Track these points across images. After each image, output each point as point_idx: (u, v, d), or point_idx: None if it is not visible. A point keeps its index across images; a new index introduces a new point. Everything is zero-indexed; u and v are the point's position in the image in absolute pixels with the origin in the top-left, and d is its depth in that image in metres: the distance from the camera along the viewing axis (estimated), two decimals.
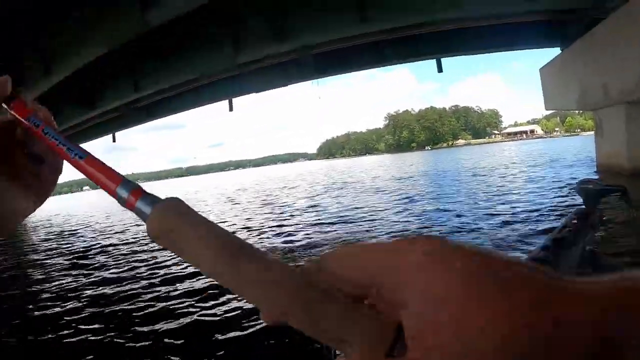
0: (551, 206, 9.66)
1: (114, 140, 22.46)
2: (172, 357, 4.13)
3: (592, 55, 13.51)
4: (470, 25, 13.05)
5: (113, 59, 10.58)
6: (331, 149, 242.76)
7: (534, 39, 15.92)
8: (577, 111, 65.71)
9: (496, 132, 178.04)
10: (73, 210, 34.72)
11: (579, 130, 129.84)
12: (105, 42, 9.08)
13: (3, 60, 9.41)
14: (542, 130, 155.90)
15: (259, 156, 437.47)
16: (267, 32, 11.00)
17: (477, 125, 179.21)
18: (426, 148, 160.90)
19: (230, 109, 17.97)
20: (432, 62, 16.87)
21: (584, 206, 3.22)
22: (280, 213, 13.88)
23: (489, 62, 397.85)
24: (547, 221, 8.09)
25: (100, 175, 0.46)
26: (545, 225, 7.69)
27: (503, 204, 10.66)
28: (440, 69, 16.25)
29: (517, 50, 16.83)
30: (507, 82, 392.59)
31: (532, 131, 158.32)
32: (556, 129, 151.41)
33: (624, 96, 12.42)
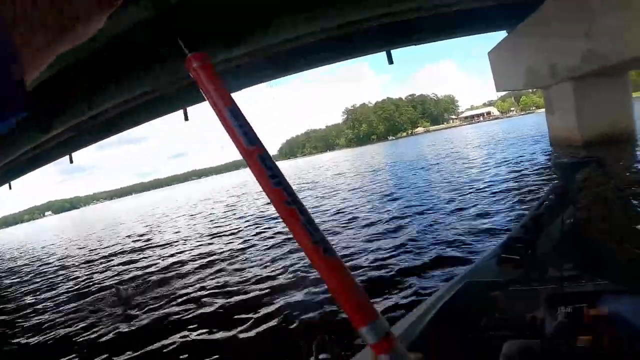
0: (511, 186, 9.90)
1: (71, 162, 21.83)
2: None
3: (537, 36, 13.95)
4: (419, 15, 13.19)
5: (64, 79, 10.40)
6: (292, 149, 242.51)
7: (481, 25, 16.14)
8: (530, 90, 67.48)
9: (453, 117, 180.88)
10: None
11: (533, 108, 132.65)
12: (56, 62, 8.90)
13: None
14: (499, 111, 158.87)
15: (221, 163, 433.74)
16: (218, 40, 10.96)
17: (434, 112, 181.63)
18: (390, 138, 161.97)
19: (186, 118, 17.75)
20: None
21: (559, 181, 3.25)
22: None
23: (447, 49, 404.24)
24: (516, 201, 8.23)
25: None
26: (515, 204, 7.91)
27: (466, 192, 10.51)
28: (390, 61, 16.30)
29: (465, 36, 17.03)
30: (464, 68, 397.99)
31: (488, 113, 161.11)
32: (512, 108, 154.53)
33: (570, 73, 12.89)
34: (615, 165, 9.70)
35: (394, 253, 6.37)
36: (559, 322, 1.48)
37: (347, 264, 5.71)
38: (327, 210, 12.20)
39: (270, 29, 10.89)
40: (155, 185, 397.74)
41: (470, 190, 10.41)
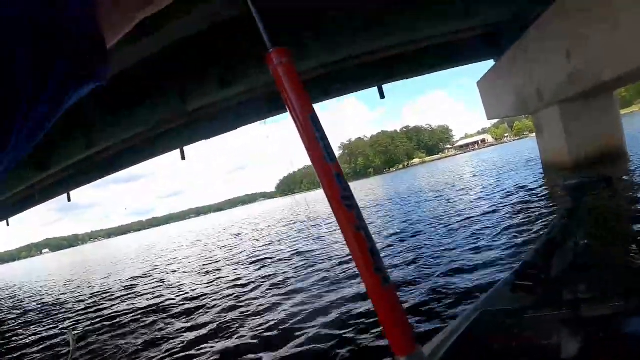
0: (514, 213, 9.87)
1: (69, 200, 21.92)
2: None
3: (522, 63, 14.31)
4: (409, 49, 13.49)
5: (61, 119, 10.60)
6: (290, 185, 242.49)
7: (469, 55, 16.48)
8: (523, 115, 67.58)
9: (449, 146, 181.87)
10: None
11: (527, 133, 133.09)
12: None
13: None
14: (493, 138, 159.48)
15: (219, 200, 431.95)
16: (213, 81, 11.25)
17: (429, 142, 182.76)
18: (385, 171, 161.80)
19: (183, 157, 17.88)
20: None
21: (570, 203, 3.20)
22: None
23: (437, 80, 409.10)
24: (512, 227, 8.18)
25: None
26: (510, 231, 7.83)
27: (469, 222, 10.12)
28: (382, 96, 16.49)
29: (454, 67, 17.43)
30: (455, 98, 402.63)
31: (483, 141, 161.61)
32: (506, 134, 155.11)
33: (556, 96, 13.15)
34: (617, 183, 9.61)
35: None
36: (577, 348, 1.44)
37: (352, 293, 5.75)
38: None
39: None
40: (153, 224, 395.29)
41: (471, 218, 10.36)
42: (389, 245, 9.54)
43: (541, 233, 5.50)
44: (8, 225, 25.39)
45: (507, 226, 8.37)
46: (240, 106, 14.47)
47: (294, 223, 23.55)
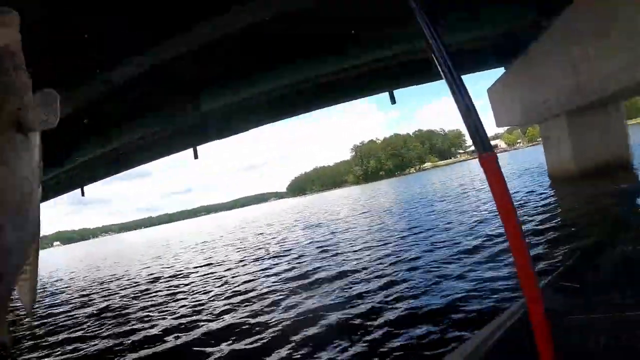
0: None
1: (82, 194, 22.25)
2: None
3: (530, 73, 14.51)
4: (420, 56, 13.63)
5: (80, 116, 10.93)
6: (301, 186, 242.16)
7: (481, 63, 16.55)
8: None
9: (461, 151, 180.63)
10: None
11: (540, 140, 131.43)
12: (70, 103, 9.41)
13: None
14: (505, 143, 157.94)
15: (229, 199, 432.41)
16: (228, 81, 11.56)
17: (442, 147, 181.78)
18: (403, 173, 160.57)
19: (195, 156, 18.08)
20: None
21: (619, 208, 3.20)
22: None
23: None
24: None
25: None
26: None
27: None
28: (393, 101, 16.56)
29: (469, 74, 17.53)
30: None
31: (495, 146, 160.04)
32: (518, 140, 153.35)
33: (563, 107, 13.34)
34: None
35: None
36: (621, 351, 1.49)
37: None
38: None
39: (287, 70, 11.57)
40: (164, 220, 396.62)
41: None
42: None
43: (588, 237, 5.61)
44: None
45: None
46: (253, 108, 14.81)
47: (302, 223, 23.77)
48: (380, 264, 8.46)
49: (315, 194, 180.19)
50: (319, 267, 9.42)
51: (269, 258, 12.63)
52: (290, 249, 13.55)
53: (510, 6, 11.48)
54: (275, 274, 9.73)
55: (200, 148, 18.14)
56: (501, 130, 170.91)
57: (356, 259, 9.51)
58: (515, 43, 14.34)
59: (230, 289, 9.12)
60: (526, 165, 30.44)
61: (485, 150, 0.80)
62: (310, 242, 14.24)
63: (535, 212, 10.52)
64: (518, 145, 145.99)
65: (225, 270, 12.04)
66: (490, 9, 11.20)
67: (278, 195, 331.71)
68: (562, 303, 2.15)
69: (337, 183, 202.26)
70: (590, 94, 11.39)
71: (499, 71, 17.93)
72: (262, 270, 10.78)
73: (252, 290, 8.47)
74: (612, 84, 10.33)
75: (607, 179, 12.38)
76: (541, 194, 13.98)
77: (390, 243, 10.81)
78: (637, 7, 9.59)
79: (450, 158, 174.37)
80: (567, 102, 12.86)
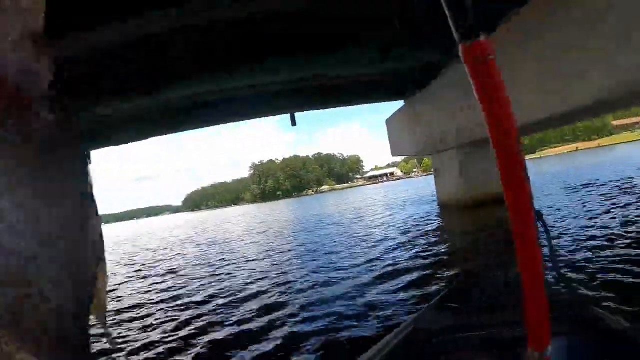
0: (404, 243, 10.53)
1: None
2: None
3: (427, 108, 15.47)
4: (325, 83, 14.03)
5: None
6: (197, 201, 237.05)
7: (382, 94, 17.47)
8: None
9: (358, 176, 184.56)
10: None
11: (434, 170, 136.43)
12: None
13: None
14: (402, 172, 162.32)
15: (122, 210, 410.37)
16: (135, 85, 11.13)
17: (340, 171, 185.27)
18: (301, 195, 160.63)
19: (293, 123, 16.93)
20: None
21: (503, 234, 3.41)
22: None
23: (354, 112, 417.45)
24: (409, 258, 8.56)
25: None
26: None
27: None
28: (293, 123, 16.85)
29: (369, 104, 18.24)
30: (370, 130, 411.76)
31: (392, 174, 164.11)
32: (414, 170, 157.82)
33: (455, 141, 14.26)
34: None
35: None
36: None
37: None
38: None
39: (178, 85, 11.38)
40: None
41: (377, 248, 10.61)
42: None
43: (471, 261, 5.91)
44: None
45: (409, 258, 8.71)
46: (153, 117, 14.27)
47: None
48: (262, 286, 8.26)
49: (212, 210, 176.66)
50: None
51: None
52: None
53: (417, 49, 12.27)
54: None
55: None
56: (398, 159, 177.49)
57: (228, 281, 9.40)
58: (417, 79, 15.25)
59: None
60: (421, 192, 31.62)
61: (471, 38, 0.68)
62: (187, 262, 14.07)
63: (423, 237, 11.08)
64: (414, 174, 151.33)
65: None
66: (401, 49, 11.85)
67: (173, 209, 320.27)
68: (446, 321, 2.28)
69: (234, 200, 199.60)
70: (480, 131, 12.26)
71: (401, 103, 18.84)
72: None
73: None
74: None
75: (492, 208, 13.12)
76: (430, 220, 14.70)
77: (275, 262, 10.90)
78: None
79: (348, 182, 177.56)
80: (458, 137, 13.80)
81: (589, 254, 6.55)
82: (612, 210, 10.29)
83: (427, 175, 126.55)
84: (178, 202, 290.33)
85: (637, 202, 10.97)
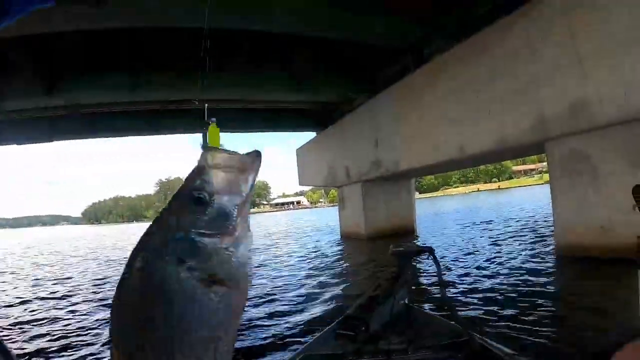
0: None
1: None
2: None
3: (337, 141, 15.99)
4: (238, 107, 14.31)
5: None
6: (97, 214, 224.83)
7: (296, 124, 18.03)
8: None
9: (264, 202, 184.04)
10: None
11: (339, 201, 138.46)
12: None
13: None
14: (308, 201, 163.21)
15: (17, 215, 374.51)
16: (37, 84, 10.64)
17: None
18: None
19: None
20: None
21: (396, 267, 3.48)
22: None
23: (268, 137, 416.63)
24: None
25: None
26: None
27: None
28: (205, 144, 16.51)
29: (280, 132, 18.58)
30: (281, 157, 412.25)
31: (298, 202, 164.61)
32: (321, 200, 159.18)
33: (360, 176, 14.85)
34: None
35: None
36: None
37: None
38: None
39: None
40: None
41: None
42: None
43: (364, 291, 6.00)
44: None
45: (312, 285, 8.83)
46: (58, 119, 13.87)
47: None
48: None
49: (112, 225, 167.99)
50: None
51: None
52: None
53: (336, 84, 12.72)
54: None
55: None
56: (307, 188, 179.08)
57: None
58: (330, 113, 15.74)
59: None
60: (326, 223, 31.83)
61: None
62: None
63: (323, 266, 11.28)
64: (320, 204, 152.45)
65: None
66: (321, 81, 12.26)
67: (70, 220, 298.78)
68: (339, 348, 2.40)
69: (137, 217, 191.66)
70: (385, 168, 13.03)
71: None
72: None
73: None
74: (403, 164, 12.10)
75: (393, 241, 13.41)
76: (332, 250, 14.82)
77: None
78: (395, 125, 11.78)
79: (254, 208, 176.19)
80: (365, 172, 14.36)
81: (474, 285, 7.23)
82: (495, 245, 11.42)
83: (334, 205, 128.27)
84: (77, 213, 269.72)
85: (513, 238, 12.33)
